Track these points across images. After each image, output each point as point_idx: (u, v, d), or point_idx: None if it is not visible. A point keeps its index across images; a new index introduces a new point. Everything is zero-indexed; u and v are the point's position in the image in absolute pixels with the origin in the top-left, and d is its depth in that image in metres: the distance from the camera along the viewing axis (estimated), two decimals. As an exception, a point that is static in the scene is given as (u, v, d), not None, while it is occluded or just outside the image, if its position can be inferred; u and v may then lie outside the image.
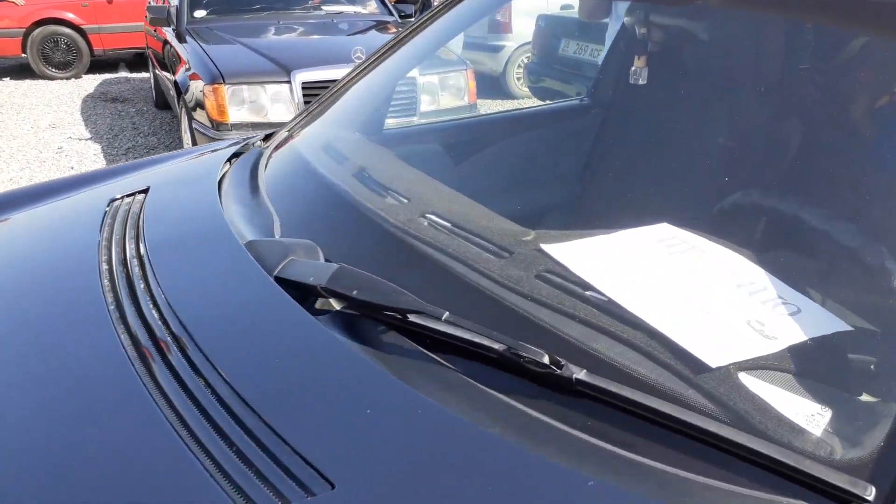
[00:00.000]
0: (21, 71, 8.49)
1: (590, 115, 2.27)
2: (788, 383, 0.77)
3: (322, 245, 1.13)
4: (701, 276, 0.92)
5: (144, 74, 7.94)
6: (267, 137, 1.90)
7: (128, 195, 1.45)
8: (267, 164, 1.61)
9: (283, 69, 4.09)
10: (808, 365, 0.79)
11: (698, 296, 0.88)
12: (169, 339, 0.93)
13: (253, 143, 1.84)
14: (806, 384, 0.77)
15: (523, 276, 0.94)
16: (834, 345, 0.83)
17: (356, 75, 1.90)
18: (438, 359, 0.86)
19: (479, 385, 0.82)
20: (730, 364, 0.76)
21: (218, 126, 3.95)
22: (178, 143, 5.06)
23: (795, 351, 0.79)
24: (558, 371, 0.77)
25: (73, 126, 6.27)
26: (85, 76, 8.46)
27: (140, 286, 1.07)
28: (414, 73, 4.27)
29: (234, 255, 1.12)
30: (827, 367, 0.83)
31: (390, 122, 2.68)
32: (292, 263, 1.07)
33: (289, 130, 1.85)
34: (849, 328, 0.84)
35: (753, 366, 0.78)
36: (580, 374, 0.76)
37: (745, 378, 0.76)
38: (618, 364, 0.79)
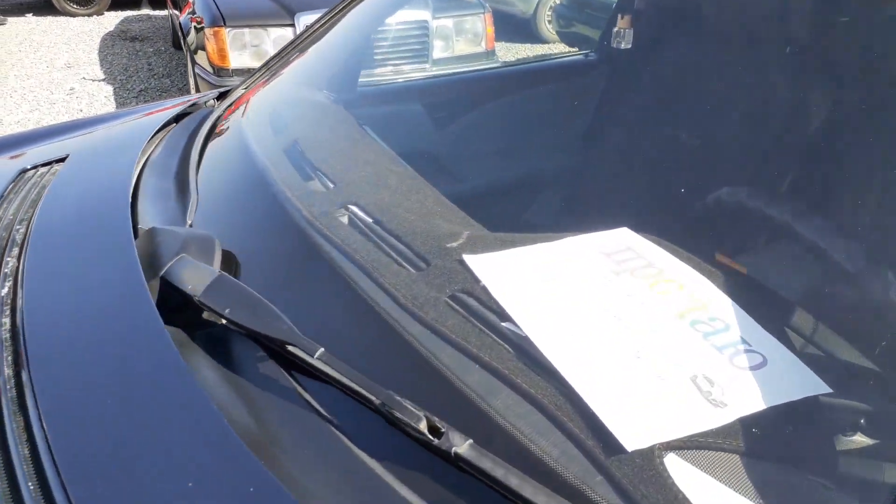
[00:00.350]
0: (43, 7, 8.35)
1: (594, 73, 2.04)
2: (733, 473, 0.59)
3: (228, 238, 0.97)
4: (647, 308, 0.73)
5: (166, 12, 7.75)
6: (223, 95, 1.72)
7: (43, 164, 1.30)
8: (210, 129, 1.44)
9: (286, 11, 3.86)
10: (764, 447, 0.61)
11: (635, 338, 0.69)
12: (10, 359, 0.79)
13: (205, 102, 1.67)
14: (757, 475, 0.59)
15: (431, 299, 0.77)
16: (803, 416, 0.64)
17: (331, 19, 1.69)
18: (312, 402, 0.71)
19: (349, 445, 0.66)
20: (655, 445, 0.59)
21: (218, 71, 3.77)
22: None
23: (749, 426, 0.61)
24: (436, 441, 0.61)
25: (88, 66, 6.15)
26: (107, 13, 8.28)
27: (5, 287, 0.92)
28: (426, 15, 4.00)
29: (120, 248, 0.96)
30: (790, 449, 0.64)
31: (379, 75, 2.47)
32: (181, 263, 0.90)
33: (246, 87, 1.68)
34: (826, 390, 0.65)
35: (689, 445, 0.60)
36: (461, 448, 0.59)
37: (674, 465, 0.58)
38: (514, 434, 0.62)
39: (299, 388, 0.72)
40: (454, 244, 0.86)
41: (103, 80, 5.74)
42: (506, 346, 0.70)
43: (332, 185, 1.04)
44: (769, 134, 1.11)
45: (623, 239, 0.86)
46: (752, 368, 0.67)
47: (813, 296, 0.83)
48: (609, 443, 0.59)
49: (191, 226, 1.07)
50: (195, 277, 0.86)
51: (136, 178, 1.21)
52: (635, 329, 0.70)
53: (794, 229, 0.88)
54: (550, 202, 1.22)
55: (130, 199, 1.11)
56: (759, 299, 0.79)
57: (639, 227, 0.90)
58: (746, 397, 0.63)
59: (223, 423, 0.66)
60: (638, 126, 1.37)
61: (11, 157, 1.33)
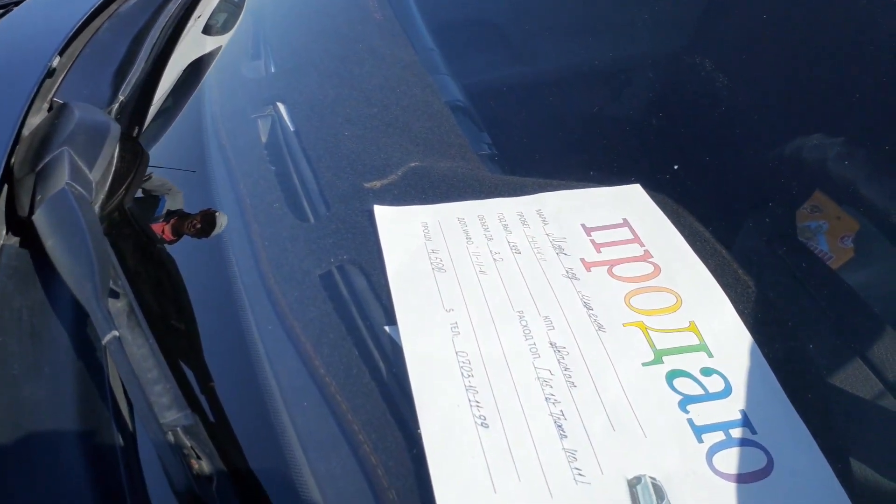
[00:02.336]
0: None
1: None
2: None
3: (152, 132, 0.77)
4: (605, 337, 0.47)
5: None
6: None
7: (2, 6, 1.12)
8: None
9: None
10: None
11: (564, 392, 0.44)
12: None
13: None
14: None
15: (302, 272, 0.53)
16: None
17: None
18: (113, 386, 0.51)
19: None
20: None
21: None
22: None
23: None
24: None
25: None
26: None
27: None
28: None
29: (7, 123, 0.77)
30: None
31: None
32: (58, 159, 0.71)
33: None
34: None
35: None
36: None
37: None
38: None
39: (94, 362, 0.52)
40: (378, 183, 0.61)
41: None
42: (367, 367, 0.46)
43: (272, 69, 0.79)
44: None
45: (626, 204, 0.58)
46: (743, 479, 0.40)
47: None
48: None
49: (119, 105, 0.86)
50: (53, 183, 0.66)
51: (90, 35, 1.01)
52: (574, 374, 0.44)
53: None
54: (581, 120, 0.90)
55: (56, 62, 0.91)
56: (808, 345, 0.50)
57: (664, 185, 0.60)
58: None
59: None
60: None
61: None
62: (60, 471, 0.46)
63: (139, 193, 0.76)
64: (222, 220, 0.65)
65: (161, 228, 0.71)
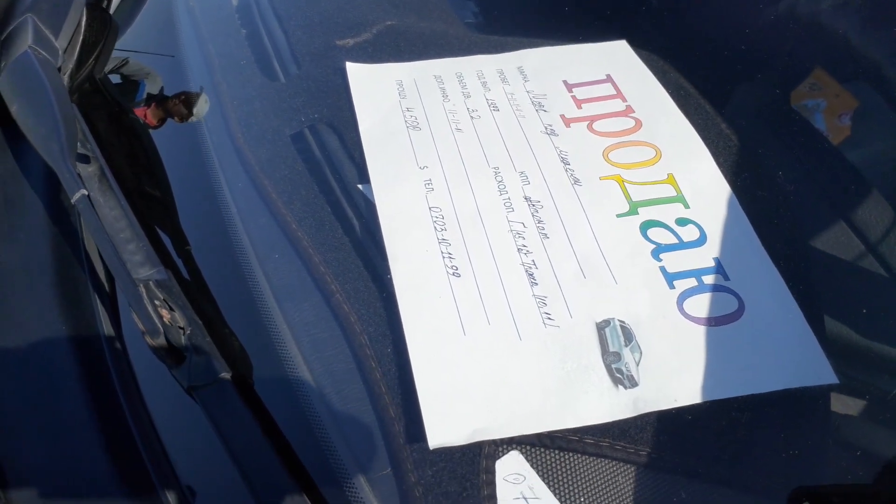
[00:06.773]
0: None
1: None
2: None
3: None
4: (581, 189, 0.46)
5: None
6: None
7: None
8: None
9: None
10: (690, 475, 0.37)
11: (536, 240, 0.43)
12: None
13: None
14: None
15: (271, 130, 0.51)
16: (782, 425, 0.39)
17: None
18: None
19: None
20: (484, 445, 0.36)
21: None
22: None
23: (664, 433, 0.37)
24: (172, 369, 0.40)
25: None
26: None
27: None
28: None
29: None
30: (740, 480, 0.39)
31: None
32: (21, 26, 0.68)
33: None
34: (833, 380, 0.39)
35: (544, 444, 0.37)
36: (200, 384, 0.39)
37: (508, 480, 0.36)
38: (295, 387, 0.40)
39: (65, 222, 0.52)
40: (351, 41, 0.58)
41: None
42: (339, 222, 0.45)
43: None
44: None
45: (610, 60, 0.55)
46: (713, 322, 0.40)
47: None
48: (412, 428, 0.36)
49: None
50: (17, 49, 0.64)
51: None
52: (547, 226, 0.44)
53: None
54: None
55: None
56: (793, 198, 0.49)
57: (651, 42, 0.58)
58: (678, 376, 0.38)
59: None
60: None
61: None
62: (38, 332, 0.46)
63: (118, 79, 0.74)
64: (204, 104, 0.63)
65: (143, 113, 0.69)
